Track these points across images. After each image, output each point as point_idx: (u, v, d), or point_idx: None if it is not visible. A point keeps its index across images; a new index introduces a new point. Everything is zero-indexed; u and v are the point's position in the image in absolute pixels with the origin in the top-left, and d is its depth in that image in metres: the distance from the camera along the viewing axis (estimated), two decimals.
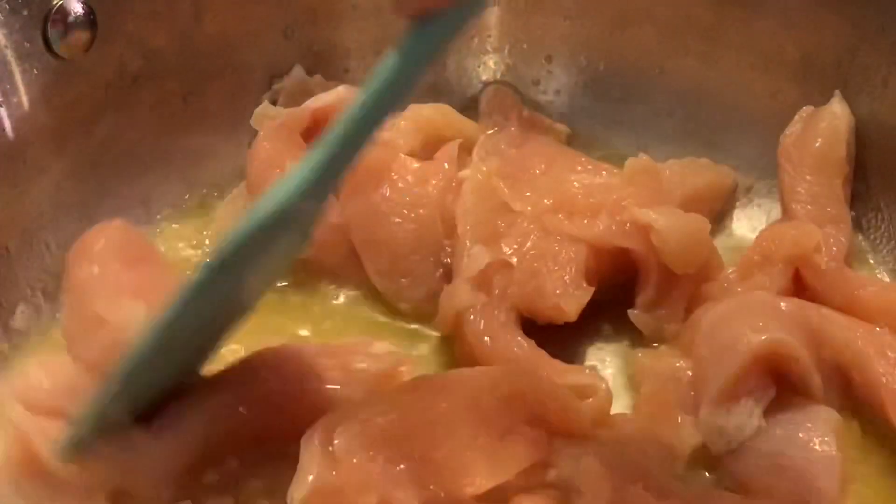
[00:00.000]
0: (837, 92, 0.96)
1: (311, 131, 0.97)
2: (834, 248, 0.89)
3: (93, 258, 0.87)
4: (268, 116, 0.98)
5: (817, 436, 0.78)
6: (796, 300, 0.85)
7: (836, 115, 0.95)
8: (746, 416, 0.79)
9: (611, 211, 0.89)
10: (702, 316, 0.86)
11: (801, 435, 0.78)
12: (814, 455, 0.77)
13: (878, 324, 0.84)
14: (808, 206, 0.93)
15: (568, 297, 0.86)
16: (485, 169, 0.94)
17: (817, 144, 0.95)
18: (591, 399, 0.82)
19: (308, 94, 1.01)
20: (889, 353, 0.81)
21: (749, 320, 0.81)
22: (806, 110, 0.97)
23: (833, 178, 0.94)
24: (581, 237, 0.88)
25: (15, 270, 0.88)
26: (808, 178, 0.94)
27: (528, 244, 0.89)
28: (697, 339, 0.84)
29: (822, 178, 0.94)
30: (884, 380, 0.80)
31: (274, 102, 1.02)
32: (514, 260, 0.88)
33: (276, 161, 0.94)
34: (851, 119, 0.95)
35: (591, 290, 0.87)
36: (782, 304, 0.84)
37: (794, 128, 0.97)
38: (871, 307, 0.85)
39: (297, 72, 1.04)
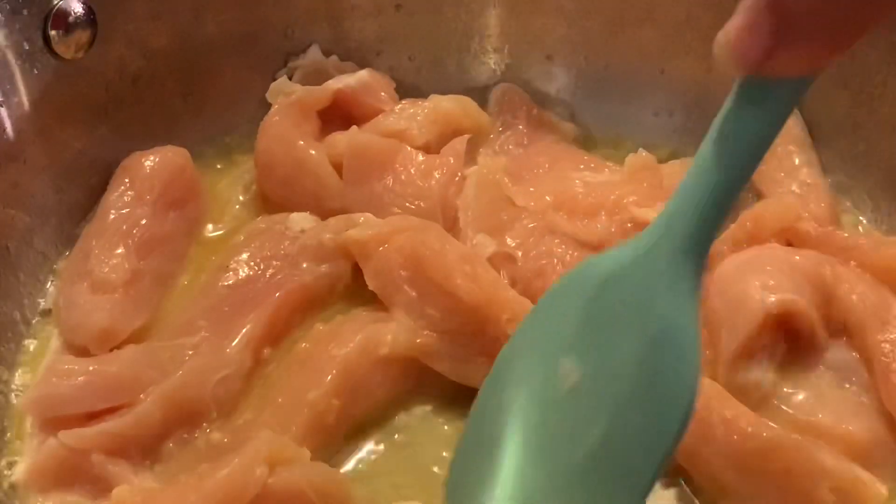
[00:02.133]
0: None
1: (331, 112, 0.97)
2: (815, 211, 0.90)
3: (135, 180, 0.90)
4: (283, 92, 0.98)
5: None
6: (813, 254, 0.85)
7: None
8: (763, 372, 0.80)
9: (611, 210, 0.89)
10: (714, 265, 0.85)
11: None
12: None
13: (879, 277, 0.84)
14: (778, 184, 0.94)
15: None
16: (490, 164, 0.94)
17: None
18: None
19: (323, 74, 1.02)
20: (892, 325, 0.80)
21: (762, 277, 0.81)
22: None
23: (787, 146, 0.95)
24: (584, 240, 0.89)
25: (15, 270, 0.87)
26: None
27: (532, 240, 0.89)
28: (711, 288, 0.83)
29: (776, 151, 0.95)
30: (881, 349, 0.80)
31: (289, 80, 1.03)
32: (519, 254, 0.89)
33: (286, 136, 0.94)
34: None
35: None
36: (797, 257, 0.84)
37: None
38: (870, 261, 0.85)
39: (314, 51, 1.04)
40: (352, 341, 0.82)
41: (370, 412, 0.82)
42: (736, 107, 0.58)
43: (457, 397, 0.84)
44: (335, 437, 0.80)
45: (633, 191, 0.90)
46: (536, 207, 0.91)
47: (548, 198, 0.92)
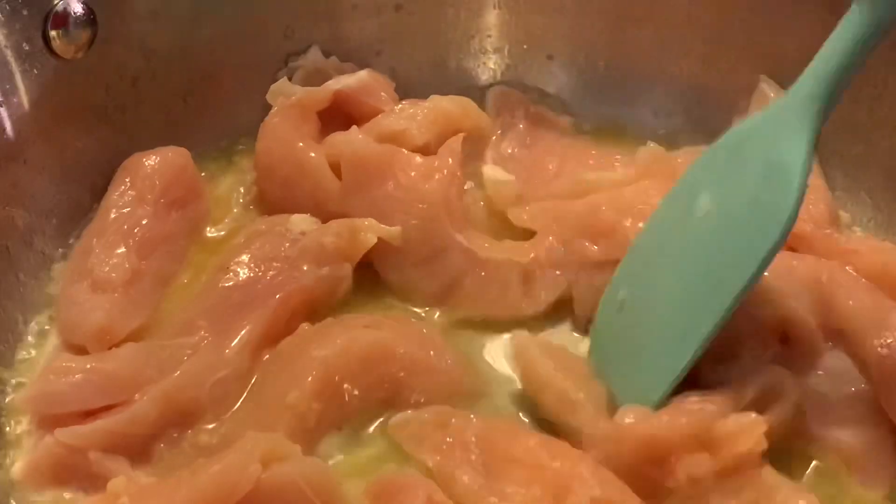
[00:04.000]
0: (762, 76, 0.99)
1: (331, 113, 0.97)
2: (814, 213, 0.90)
3: (136, 180, 0.91)
4: (283, 93, 0.98)
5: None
6: (811, 258, 0.85)
7: (764, 93, 0.98)
8: (747, 373, 0.79)
9: (637, 216, 0.88)
10: None
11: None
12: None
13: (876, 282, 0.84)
14: None
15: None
16: (498, 185, 0.96)
17: None
18: None
19: (323, 74, 1.02)
20: (889, 330, 0.80)
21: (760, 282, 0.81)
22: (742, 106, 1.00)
23: None
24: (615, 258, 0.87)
25: (15, 270, 0.87)
26: None
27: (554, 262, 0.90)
28: None
29: None
30: (878, 353, 0.79)
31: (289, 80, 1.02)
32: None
33: (286, 138, 0.94)
34: (781, 92, 0.97)
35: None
36: (794, 262, 0.84)
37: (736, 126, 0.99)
38: (866, 265, 0.86)
39: (314, 52, 1.04)
40: (333, 343, 0.81)
41: (350, 416, 0.81)
42: None
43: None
44: (317, 439, 0.80)
45: (649, 185, 0.90)
46: (558, 230, 0.91)
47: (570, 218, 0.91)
